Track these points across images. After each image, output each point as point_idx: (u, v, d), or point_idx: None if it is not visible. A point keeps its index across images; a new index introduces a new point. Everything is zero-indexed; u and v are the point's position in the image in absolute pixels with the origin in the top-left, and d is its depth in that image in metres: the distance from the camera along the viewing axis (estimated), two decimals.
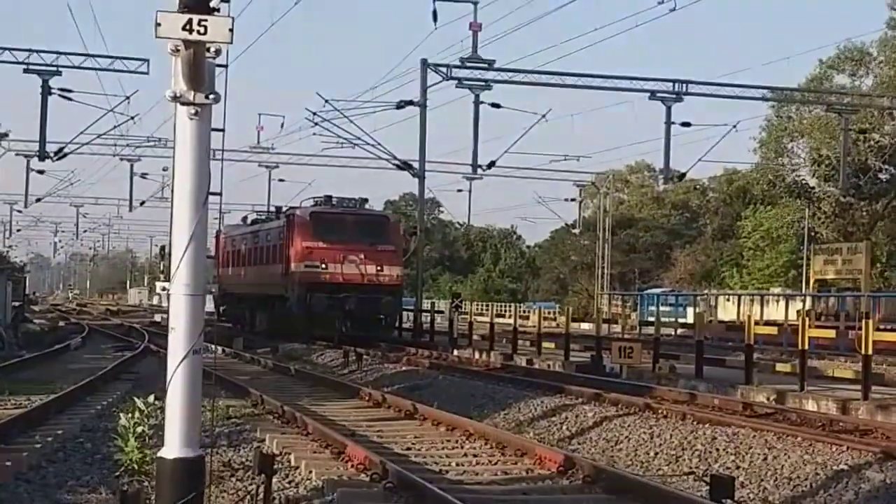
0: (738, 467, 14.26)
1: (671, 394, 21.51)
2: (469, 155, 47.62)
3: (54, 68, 42.46)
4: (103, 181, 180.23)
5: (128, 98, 46.36)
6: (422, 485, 11.43)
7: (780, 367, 26.21)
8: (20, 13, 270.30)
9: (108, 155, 65.25)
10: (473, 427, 16.62)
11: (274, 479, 12.15)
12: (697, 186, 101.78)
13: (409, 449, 15.31)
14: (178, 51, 7.83)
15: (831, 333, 32.86)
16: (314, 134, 53.33)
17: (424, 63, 45.77)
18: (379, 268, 41.30)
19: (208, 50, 7.86)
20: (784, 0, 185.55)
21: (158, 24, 7.61)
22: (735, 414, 18.63)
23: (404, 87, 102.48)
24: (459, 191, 73.03)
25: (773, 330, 36.57)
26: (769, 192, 77.26)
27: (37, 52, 42.33)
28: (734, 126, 49.49)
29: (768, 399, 20.82)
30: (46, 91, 42.62)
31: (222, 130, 8.42)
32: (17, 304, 54.41)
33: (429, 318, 45.28)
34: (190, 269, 8.09)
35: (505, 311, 71.88)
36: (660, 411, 18.59)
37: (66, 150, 48.70)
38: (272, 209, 54.70)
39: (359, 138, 50.27)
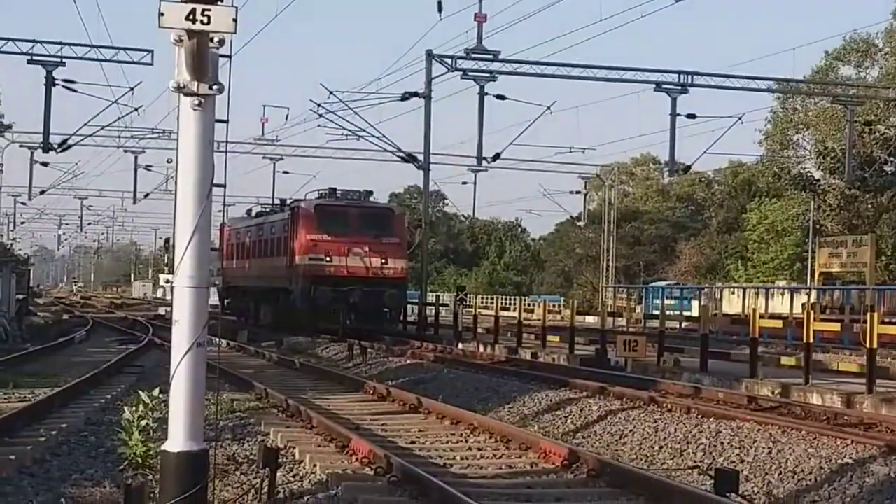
0: (742, 461, 14.23)
1: (676, 387, 21.48)
2: (474, 147, 47.56)
3: (58, 59, 42.39)
4: (107, 173, 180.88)
5: (132, 89, 46.31)
6: (426, 479, 11.41)
7: (784, 360, 26.19)
8: (24, 3, 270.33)
9: (112, 147, 65.25)
10: (478, 421, 16.61)
11: (278, 473, 12.14)
12: (703, 179, 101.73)
13: (413, 443, 15.30)
14: (181, 41, 7.79)
15: (836, 327, 32.79)
16: (319, 126, 53.53)
17: (429, 54, 45.67)
18: (383, 261, 41.28)
19: (212, 40, 7.82)
20: None
21: (162, 14, 7.58)
22: (740, 407, 18.61)
23: (409, 79, 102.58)
24: (464, 183, 73.09)
25: (778, 323, 36.53)
26: (774, 185, 77.18)
27: (41, 42, 42.27)
28: (739, 118, 49.38)
29: (773, 393, 20.79)
30: (50, 82, 42.55)
31: (226, 121, 8.39)
32: (21, 296, 54.46)
33: (433, 312, 45.27)
34: (194, 262, 8.06)
35: (510, 304, 71.92)
36: (664, 405, 18.57)
37: (69, 142, 48.61)
38: (277, 202, 54.68)
39: (363, 130, 50.17)
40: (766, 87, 51.40)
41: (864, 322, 21.87)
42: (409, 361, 29.95)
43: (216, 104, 8.16)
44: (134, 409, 13.11)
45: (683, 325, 46.17)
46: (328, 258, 40.87)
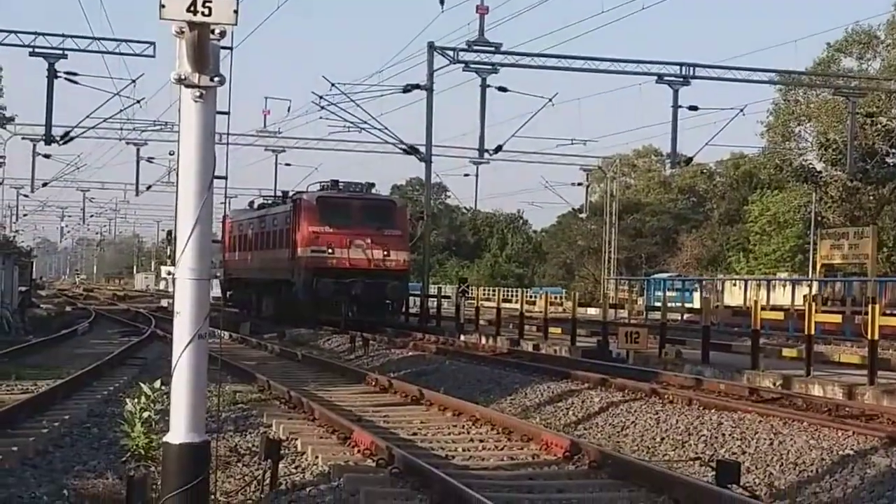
0: (744, 452, 14.24)
1: (677, 379, 21.49)
2: (476, 139, 47.54)
3: (60, 51, 42.34)
4: (110, 165, 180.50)
5: (134, 81, 46.37)
6: (428, 470, 11.43)
7: (786, 352, 26.18)
8: None
9: (114, 139, 65.28)
10: (480, 412, 16.63)
11: (280, 465, 12.17)
12: (704, 171, 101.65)
13: (415, 434, 15.33)
14: (182, 32, 7.78)
15: (838, 318, 32.83)
16: (321, 118, 53.38)
17: (431, 46, 45.63)
18: (385, 253, 41.28)
19: (213, 32, 7.82)
20: None
21: (163, 6, 7.57)
22: (741, 399, 18.62)
23: (411, 71, 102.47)
24: (466, 175, 73.09)
25: (780, 315, 36.55)
26: (776, 177, 77.13)
27: (43, 34, 42.21)
28: (741, 110, 49.35)
29: (774, 384, 20.79)
30: (52, 74, 42.52)
31: (227, 113, 8.39)
32: (23, 288, 54.53)
33: (435, 304, 45.30)
34: (195, 254, 8.06)
35: (511, 296, 71.96)
36: (666, 396, 18.59)
37: (72, 134, 48.66)
38: (279, 194, 54.70)
39: (365, 122, 50.20)
40: (767, 78, 51.30)
41: (866, 314, 21.85)
42: (410, 353, 29.99)
43: (217, 96, 8.16)
44: (136, 400, 13.13)
45: (685, 316, 46.18)
46: (330, 250, 40.88)
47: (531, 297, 67.30)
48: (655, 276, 73.98)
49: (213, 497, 9.33)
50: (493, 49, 44.46)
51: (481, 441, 14.68)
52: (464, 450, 14.03)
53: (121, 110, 50.49)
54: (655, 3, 43.67)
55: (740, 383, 21.02)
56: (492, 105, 48.70)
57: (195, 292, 8.07)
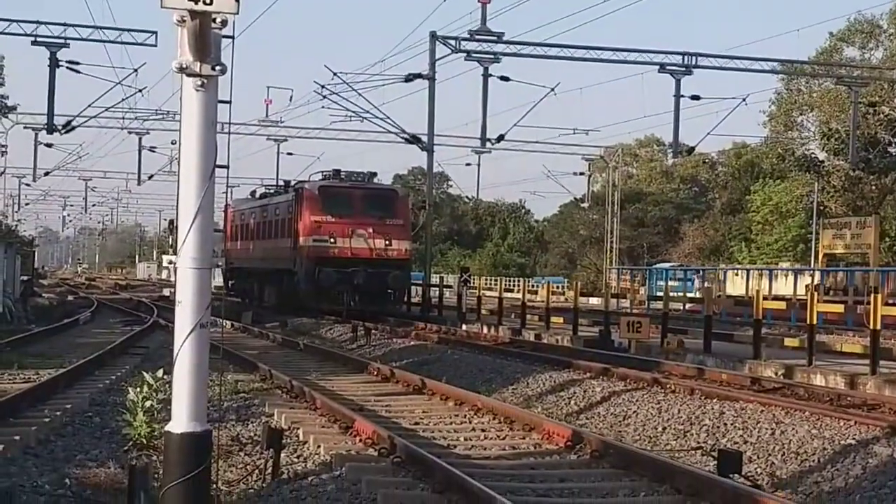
0: (745, 442, 14.25)
1: (679, 369, 21.49)
2: (478, 128, 47.55)
3: (62, 40, 42.32)
4: (112, 154, 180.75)
5: (136, 71, 46.44)
6: (430, 459, 11.43)
7: (788, 341, 26.20)
8: None
9: (116, 128, 65.24)
10: (481, 402, 16.63)
11: (282, 454, 12.18)
12: (706, 160, 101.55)
13: (417, 424, 15.33)
14: (184, 21, 7.76)
15: (840, 308, 32.84)
16: (323, 107, 53.27)
17: (433, 36, 45.59)
18: (387, 242, 41.29)
19: (214, 20, 7.80)
20: None
21: None
22: (743, 389, 18.61)
23: (413, 60, 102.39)
24: (468, 165, 73.13)
25: (782, 305, 36.53)
26: (778, 166, 77.05)
27: (45, 24, 42.19)
28: (744, 99, 49.36)
29: (776, 374, 20.79)
30: (54, 64, 42.51)
31: (229, 102, 8.37)
32: (25, 278, 54.57)
33: (437, 293, 45.31)
34: (197, 243, 8.05)
35: (513, 285, 71.97)
36: (668, 386, 18.59)
37: (74, 124, 48.70)
38: (281, 183, 54.71)
39: (367, 111, 50.21)
40: (770, 68, 51.25)
41: (868, 303, 21.85)
42: (412, 342, 30.01)
43: (219, 85, 8.15)
44: (138, 389, 13.14)
45: (687, 306, 46.17)
46: (332, 239, 40.89)
47: (533, 286, 67.32)
48: (657, 265, 73.95)
49: (214, 486, 9.32)
50: (495, 38, 44.41)
51: (483, 430, 14.68)
52: (465, 439, 14.03)
53: (123, 99, 50.56)
54: None
55: (742, 373, 21.03)
56: (494, 94, 48.67)
57: (197, 281, 8.06)
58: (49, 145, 62.59)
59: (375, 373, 21.55)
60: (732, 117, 77.71)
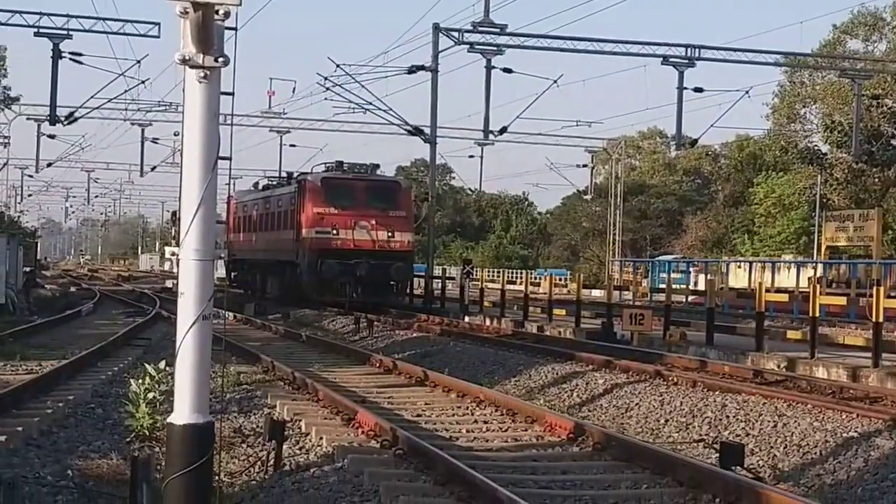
0: (748, 434, 14.25)
1: (682, 361, 21.50)
2: (480, 120, 47.52)
3: (65, 32, 42.28)
4: (114, 146, 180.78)
5: (138, 62, 46.29)
6: (432, 451, 11.43)
7: (790, 334, 26.22)
8: None
9: (118, 119, 65.23)
10: (484, 394, 16.63)
11: (284, 446, 12.19)
12: (709, 153, 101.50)
13: (419, 416, 15.34)
14: (186, 13, 7.76)
15: (842, 301, 32.77)
16: (326, 99, 53.26)
17: (436, 27, 45.55)
18: (390, 234, 41.27)
19: (217, 12, 7.79)
20: None
21: None
22: (745, 381, 18.61)
23: (416, 52, 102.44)
24: (471, 157, 73.04)
25: (784, 297, 36.56)
26: (781, 159, 76.97)
27: (47, 15, 42.16)
28: (747, 92, 49.27)
29: (779, 366, 20.81)
30: (57, 55, 42.47)
31: (232, 94, 8.36)
32: (28, 269, 54.56)
33: (440, 285, 45.32)
34: (199, 234, 8.05)
35: (516, 277, 71.93)
36: (670, 378, 18.59)
37: (76, 115, 48.66)
38: (283, 175, 54.68)
39: (370, 103, 50.18)
40: (773, 60, 51.28)
41: (871, 296, 21.84)
42: (415, 334, 30.01)
43: (222, 77, 8.15)
44: (140, 381, 13.15)
45: (690, 298, 46.17)
46: (335, 231, 40.87)
47: (536, 278, 67.31)
48: (660, 258, 73.92)
49: (216, 478, 9.33)
50: (498, 30, 44.37)
51: (485, 422, 14.68)
52: (468, 431, 14.03)
53: (125, 91, 50.43)
54: None
55: (744, 365, 21.04)
56: (497, 86, 48.69)
57: (199, 273, 8.06)
58: (52, 136, 62.68)
59: (378, 365, 21.55)
60: (735, 109, 77.45)
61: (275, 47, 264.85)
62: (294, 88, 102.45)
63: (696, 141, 53.64)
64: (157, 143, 73.40)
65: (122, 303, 48.79)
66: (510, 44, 45.27)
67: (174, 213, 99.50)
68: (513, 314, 35.51)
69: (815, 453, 13.06)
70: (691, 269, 60.05)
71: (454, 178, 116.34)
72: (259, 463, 11.98)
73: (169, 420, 8.20)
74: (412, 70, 46.85)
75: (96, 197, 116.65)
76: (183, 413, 8.07)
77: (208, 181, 8.04)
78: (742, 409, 15.45)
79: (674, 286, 35.93)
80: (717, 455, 12.01)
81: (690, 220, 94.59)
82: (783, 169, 79.85)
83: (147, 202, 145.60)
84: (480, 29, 44.14)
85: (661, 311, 28.77)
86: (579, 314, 31.39)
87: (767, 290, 29.46)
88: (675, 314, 30.39)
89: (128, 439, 12.93)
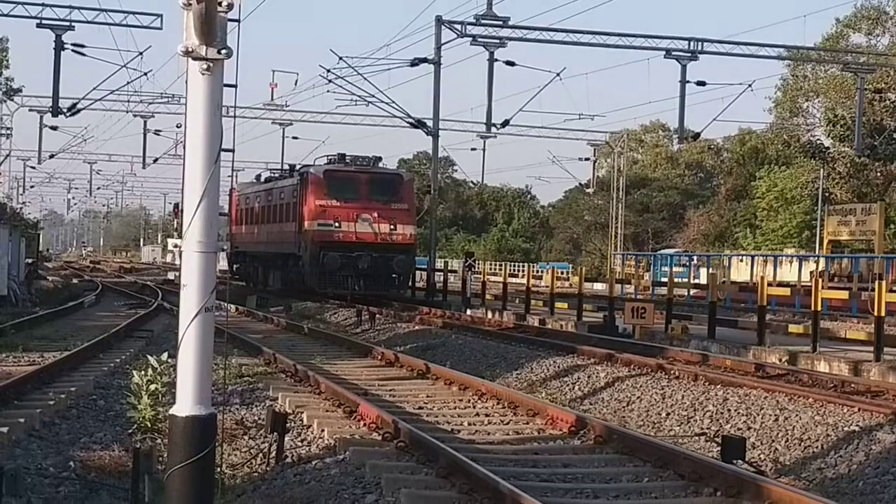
0: (749, 428, 14.27)
1: (683, 354, 21.49)
2: (483, 113, 47.49)
3: (68, 23, 42.27)
4: (117, 138, 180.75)
5: (141, 54, 46.30)
6: (434, 444, 11.44)
7: (792, 328, 26.19)
8: None
9: (121, 111, 65.19)
10: (486, 387, 16.64)
11: (286, 438, 12.20)
12: (712, 146, 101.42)
13: (421, 408, 15.35)
14: (189, 5, 7.75)
15: (844, 295, 32.78)
16: (328, 91, 53.42)
17: (439, 20, 45.50)
18: (392, 226, 41.27)
19: (220, 4, 7.79)
20: None
21: None
22: (747, 375, 18.61)
23: (418, 45, 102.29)
24: (473, 149, 73.27)
25: (786, 291, 36.54)
26: (784, 153, 76.94)
27: (50, 6, 42.15)
28: (749, 85, 49.24)
29: (780, 360, 20.81)
30: (60, 46, 42.47)
31: (234, 86, 8.36)
32: (30, 260, 54.63)
33: (442, 278, 45.31)
34: (202, 226, 8.05)
35: (518, 270, 71.91)
36: (672, 372, 18.60)
37: (79, 106, 48.64)
38: (286, 167, 54.66)
39: (373, 96, 50.05)
40: (776, 54, 51.14)
41: (873, 290, 21.85)
42: (417, 327, 30.01)
43: (225, 69, 8.14)
44: (143, 373, 13.16)
45: (692, 292, 46.16)
46: (337, 224, 40.87)
47: (538, 271, 67.28)
48: (662, 251, 73.89)
49: (219, 470, 9.34)
50: (500, 23, 44.35)
51: (487, 415, 14.70)
52: (469, 424, 14.04)
53: (128, 82, 50.34)
54: None
55: (746, 359, 21.04)
56: (499, 79, 48.68)
57: (202, 265, 8.06)
58: (54, 128, 62.66)
59: (380, 357, 21.56)
60: (738, 103, 77.69)
61: (277, 39, 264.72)
62: (296, 81, 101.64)
63: (698, 134, 53.57)
64: (159, 134, 73.47)
65: (124, 294, 48.80)
66: (513, 36, 45.27)
67: (176, 205, 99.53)
68: (515, 307, 35.52)
69: (817, 447, 13.07)
70: (691, 265, 59.98)
71: (456, 170, 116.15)
72: (261, 455, 12.00)
73: (171, 412, 8.20)
74: (415, 63, 46.80)
75: (98, 189, 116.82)
76: (185, 405, 8.07)
77: (211, 173, 8.03)
78: (744, 403, 15.46)
79: (676, 280, 35.91)
80: (719, 448, 12.02)
81: (692, 213, 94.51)
82: (785, 163, 79.81)
83: (149, 194, 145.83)
84: (483, 22, 44.13)
85: (663, 304, 28.77)
86: (581, 307, 31.38)
87: (769, 284, 29.48)
88: (677, 308, 30.40)
89: (130, 431, 12.94)
